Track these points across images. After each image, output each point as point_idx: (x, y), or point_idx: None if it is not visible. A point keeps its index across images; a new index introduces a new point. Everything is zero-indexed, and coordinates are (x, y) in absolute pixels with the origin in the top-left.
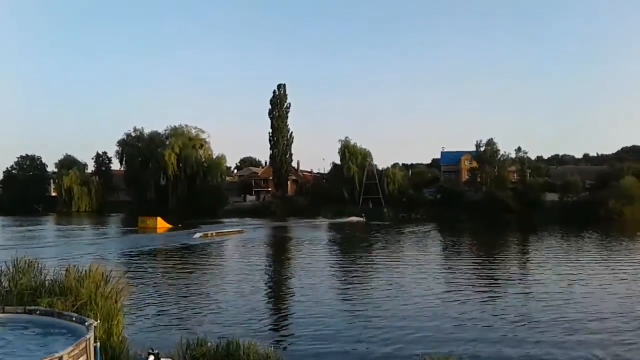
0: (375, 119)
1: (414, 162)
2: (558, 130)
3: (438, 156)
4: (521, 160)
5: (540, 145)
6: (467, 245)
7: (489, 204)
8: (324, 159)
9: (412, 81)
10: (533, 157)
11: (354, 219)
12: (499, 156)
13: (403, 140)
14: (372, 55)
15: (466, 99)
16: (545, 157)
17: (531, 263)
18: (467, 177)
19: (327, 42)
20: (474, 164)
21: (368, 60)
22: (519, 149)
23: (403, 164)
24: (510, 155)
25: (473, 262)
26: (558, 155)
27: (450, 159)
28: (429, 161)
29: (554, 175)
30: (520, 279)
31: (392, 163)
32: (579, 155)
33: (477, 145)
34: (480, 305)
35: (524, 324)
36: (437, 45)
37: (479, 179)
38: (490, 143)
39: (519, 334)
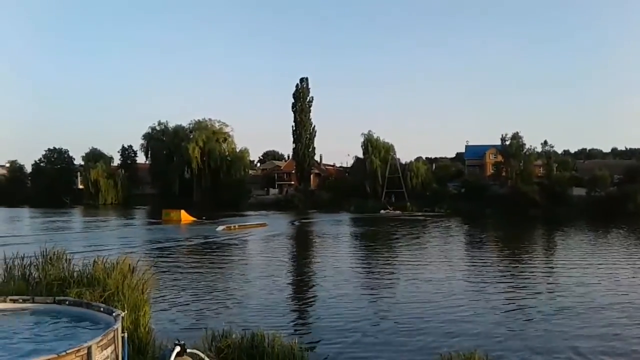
0: (398, 113)
1: (437, 156)
2: (585, 124)
3: (462, 150)
4: (547, 154)
5: (567, 139)
6: (492, 240)
7: (514, 199)
8: (349, 155)
9: (437, 74)
10: (560, 151)
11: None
12: (525, 150)
13: (427, 134)
14: (395, 48)
15: (491, 92)
16: (572, 151)
17: (557, 258)
18: (491, 171)
19: (350, 35)
20: (499, 158)
21: (392, 53)
22: (545, 143)
23: (427, 158)
24: (536, 149)
25: (498, 257)
26: (585, 149)
27: (475, 153)
28: (453, 155)
29: (581, 169)
30: (547, 274)
31: (416, 157)
32: (607, 149)
33: (503, 139)
34: (507, 300)
35: (552, 320)
36: (461, 37)
37: (504, 173)
38: (515, 137)
39: (547, 330)
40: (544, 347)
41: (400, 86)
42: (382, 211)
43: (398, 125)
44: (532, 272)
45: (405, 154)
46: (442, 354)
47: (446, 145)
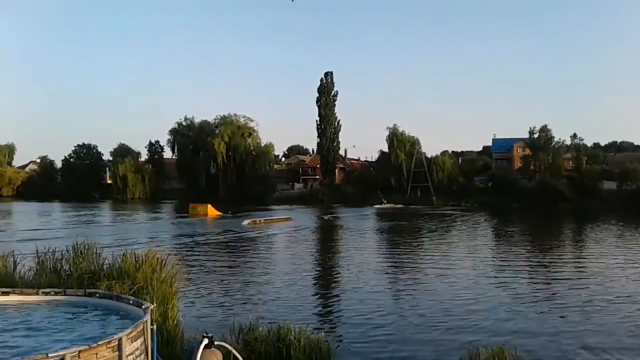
0: (424, 106)
1: (464, 150)
2: (616, 116)
3: (489, 143)
4: (577, 147)
5: (597, 132)
6: (519, 234)
7: (542, 193)
8: (379, 151)
9: (463, 66)
10: (589, 144)
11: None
12: (554, 143)
13: (453, 127)
14: (420, 40)
15: (519, 84)
16: (603, 144)
17: (587, 253)
18: (519, 164)
19: (375, 29)
20: (527, 151)
21: (417, 46)
22: (574, 136)
23: (453, 152)
24: (565, 142)
25: (526, 251)
26: (616, 142)
27: (502, 146)
28: (480, 148)
29: (611, 162)
30: (577, 269)
31: (442, 150)
32: (638, 141)
33: (531, 132)
34: (536, 295)
35: (582, 315)
36: (487, 29)
37: (532, 167)
38: (544, 129)
39: (577, 325)
40: (573, 342)
41: (426, 79)
42: (375, 205)
43: (424, 118)
44: (562, 267)
45: (430, 148)
46: (470, 348)
47: (473, 139)
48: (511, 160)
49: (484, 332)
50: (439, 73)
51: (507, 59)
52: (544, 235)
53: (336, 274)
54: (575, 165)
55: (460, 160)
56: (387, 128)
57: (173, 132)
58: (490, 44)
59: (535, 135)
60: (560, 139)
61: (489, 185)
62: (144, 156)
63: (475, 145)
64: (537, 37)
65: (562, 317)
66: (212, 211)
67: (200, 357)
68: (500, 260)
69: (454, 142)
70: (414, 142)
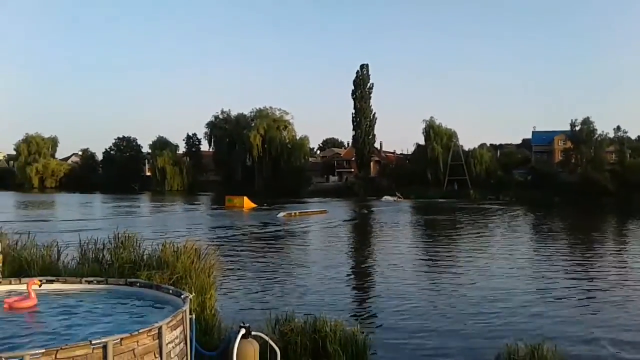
0: (461, 98)
1: (502, 143)
2: None
3: (529, 136)
4: (620, 140)
5: None
6: (560, 230)
7: (584, 187)
8: (415, 144)
9: (501, 57)
10: (633, 137)
11: (389, 198)
12: (596, 136)
13: (491, 120)
14: (458, 31)
15: (560, 75)
16: None
17: (630, 249)
18: (560, 158)
19: (411, 21)
20: (569, 144)
21: (455, 36)
22: (617, 128)
23: (491, 145)
24: (608, 135)
25: (567, 247)
26: None
27: (543, 139)
28: (519, 141)
29: None
30: (619, 266)
31: (480, 143)
32: None
33: (572, 125)
34: (576, 292)
35: (625, 314)
36: (526, 18)
37: (573, 160)
38: (586, 122)
39: (619, 325)
40: (615, 342)
41: (463, 71)
42: (387, 197)
43: (461, 111)
44: (603, 263)
45: (468, 141)
46: (508, 343)
47: (512, 131)
48: (552, 153)
49: (521, 328)
50: (477, 65)
51: (548, 50)
52: (586, 230)
53: (371, 266)
54: (619, 158)
55: (498, 154)
56: (423, 121)
57: (210, 125)
58: (531, 35)
59: (577, 128)
60: (603, 131)
61: (528, 178)
62: (181, 149)
63: (515, 138)
64: (580, 29)
65: (603, 316)
66: (248, 203)
67: (238, 346)
68: (540, 256)
69: (492, 134)
70: (450, 135)
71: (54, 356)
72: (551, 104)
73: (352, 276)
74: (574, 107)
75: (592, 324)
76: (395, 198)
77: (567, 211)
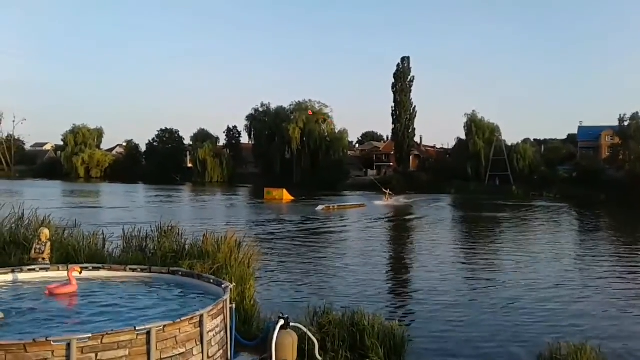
0: (504, 92)
1: (547, 138)
2: None
3: (575, 131)
4: None
5: None
6: (606, 228)
7: (632, 184)
8: (456, 138)
9: (545, 50)
10: None
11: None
12: None
13: (535, 114)
14: (500, 24)
15: (607, 68)
16: None
17: None
18: (607, 154)
19: (452, 13)
20: (616, 140)
21: (497, 30)
22: None
23: (535, 140)
24: None
25: (613, 247)
26: None
27: (589, 135)
28: (565, 136)
29: None
30: None
31: (523, 138)
32: None
33: (620, 120)
34: (621, 293)
35: None
36: (573, 9)
37: (621, 157)
38: (635, 117)
39: None
40: None
41: (506, 64)
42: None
43: (504, 105)
44: None
45: (511, 135)
46: (550, 342)
47: (557, 126)
48: (598, 149)
49: (564, 327)
50: (521, 58)
51: (594, 43)
52: (633, 230)
53: (410, 261)
54: None
55: (542, 149)
56: (464, 114)
57: (250, 117)
58: (579, 27)
59: (626, 123)
60: None
61: (573, 175)
62: (222, 141)
63: (560, 133)
64: (625, 18)
65: None
66: (286, 196)
67: (277, 336)
68: (583, 255)
69: (536, 129)
70: (493, 129)
71: (99, 341)
72: (599, 98)
73: (391, 270)
74: (623, 101)
75: (638, 329)
76: (385, 196)
77: (614, 209)
